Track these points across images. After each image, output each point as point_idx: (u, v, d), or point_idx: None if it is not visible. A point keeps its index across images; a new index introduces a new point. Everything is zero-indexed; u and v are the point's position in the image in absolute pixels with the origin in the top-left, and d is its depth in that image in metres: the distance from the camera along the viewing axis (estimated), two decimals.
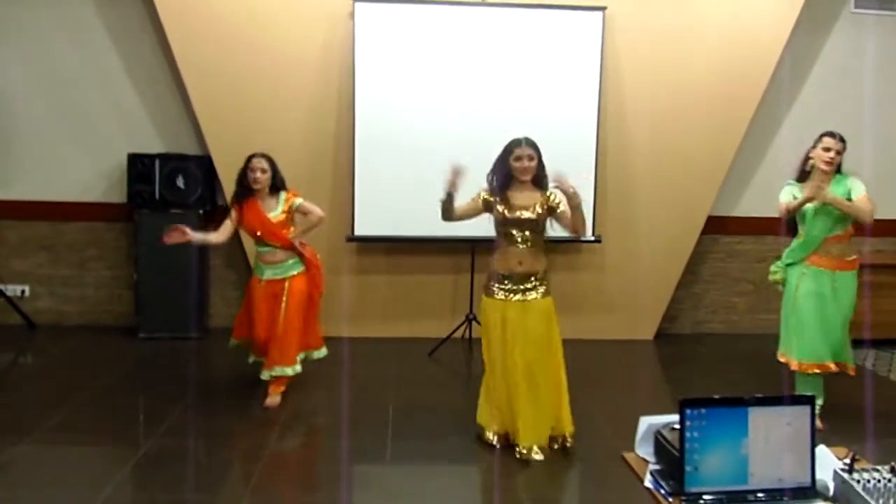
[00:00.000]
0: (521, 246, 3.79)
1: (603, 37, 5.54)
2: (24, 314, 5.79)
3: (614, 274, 5.94)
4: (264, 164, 4.23)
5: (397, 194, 5.52)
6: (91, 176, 5.82)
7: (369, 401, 4.52)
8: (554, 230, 3.90)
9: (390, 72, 5.47)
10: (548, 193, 3.79)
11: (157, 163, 5.51)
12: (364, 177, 5.51)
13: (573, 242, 5.74)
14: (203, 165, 5.58)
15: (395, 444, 3.89)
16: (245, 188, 4.25)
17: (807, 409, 2.12)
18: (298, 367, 4.35)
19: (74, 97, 5.74)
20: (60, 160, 5.79)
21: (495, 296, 3.83)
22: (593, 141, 5.57)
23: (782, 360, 4.28)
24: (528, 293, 3.79)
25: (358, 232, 5.56)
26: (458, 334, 5.60)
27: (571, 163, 5.57)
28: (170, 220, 5.49)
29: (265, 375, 4.31)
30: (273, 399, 4.32)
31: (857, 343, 5.84)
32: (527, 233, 3.78)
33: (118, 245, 5.89)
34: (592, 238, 5.68)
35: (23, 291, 5.89)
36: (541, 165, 3.80)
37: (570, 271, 5.91)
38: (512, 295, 3.79)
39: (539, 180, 3.82)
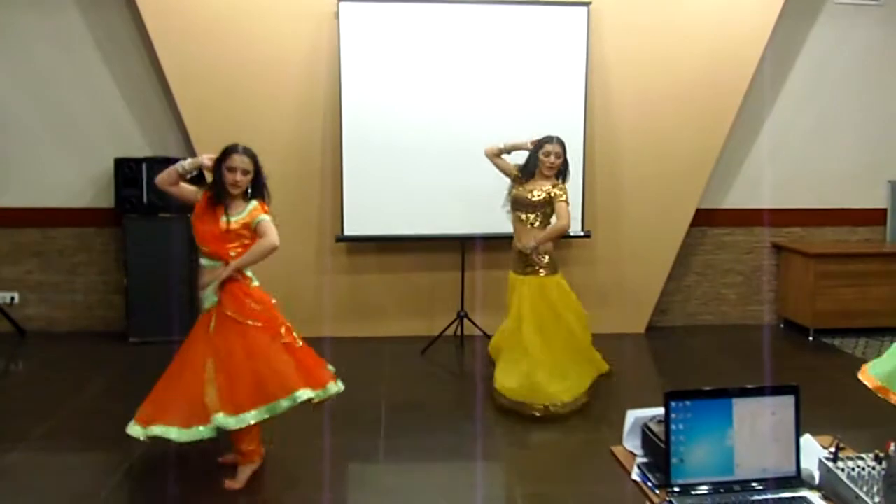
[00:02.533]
0: (523, 225, 4.39)
1: (588, 32, 5.54)
2: (14, 321, 5.78)
3: (604, 268, 5.96)
4: (249, 165, 3.41)
5: (386, 193, 5.53)
6: (79, 181, 5.80)
7: (362, 400, 4.52)
8: None
9: (377, 71, 5.47)
10: (554, 183, 4.34)
11: (144, 167, 5.50)
12: (352, 176, 5.50)
13: (563, 238, 5.75)
14: None
15: (388, 443, 3.91)
16: (221, 189, 3.40)
17: (791, 398, 2.13)
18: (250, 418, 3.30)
19: (61, 103, 5.72)
20: (48, 166, 5.77)
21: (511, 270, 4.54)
22: (581, 136, 5.57)
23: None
24: (526, 271, 4.41)
25: (347, 232, 5.56)
26: (449, 332, 5.61)
27: None
28: (158, 224, 5.53)
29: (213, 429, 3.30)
30: (236, 480, 3.40)
31: (849, 332, 5.93)
32: (530, 214, 4.36)
33: (107, 250, 5.88)
34: (582, 233, 5.69)
35: (12, 299, 5.87)
36: (565, 162, 4.39)
37: (561, 266, 5.91)
38: (514, 269, 4.48)
39: (558, 173, 4.40)
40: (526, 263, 4.40)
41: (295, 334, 3.49)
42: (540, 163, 4.35)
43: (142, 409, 3.36)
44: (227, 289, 3.38)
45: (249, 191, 3.45)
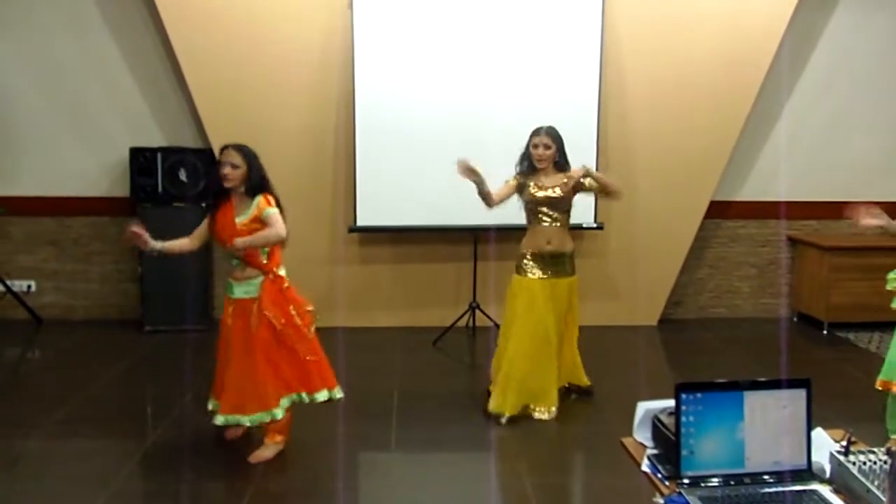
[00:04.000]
0: (549, 225, 4.13)
1: (603, 20, 5.51)
2: (31, 309, 5.84)
3: (617, 260, 5.95)
4: (236, 159, 3.50)
5: (399, 184, 5.53)
6: (94, 171, 5.84)
7: (375, 389, 4.56)
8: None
9: (390, 59, 5.46)
10: (570, 173, 4.12)
11: (158, 156, 5.53)
12: (365, 166, 5.51)
13: (575, 229, 5.75)
14: (205, 158, 5.59)
15: (401, 432, 3.93)
16: (219, 189, 3.57)
17: (803, 392, 2.12)
18: (278, 413, 3.53)
19: (75, 92, 5.76)
20: (63, 155, 5.81)
21: (528, 274, 4.13)
22: (594, 126, 5.55)
23: (880, 387, 3.86)
24: (556, 273, 4.13)
25: (360, 222, 5.57)
26: (461, 322, 5.62)
27: (573, 147, 5.58)
28: (173, 213, 5.56)
29: (220, 420, 3.55)
30: (260, 452, 3.58)
31: (864, 326, 5.89)
32: (554, 212, 4.12)
33: (122, 239, 5.91)
34: (595, 224, 5.68)
35: (29, 287, 5.93)
36: (560, 153, 4.14)
37: None
38: (541, 273, 4.11)
39: (560, 166, 4.16)
40: (563, 265, 4.16)
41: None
42: (532, 157, 4.15)
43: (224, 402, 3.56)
44: (266, 290, 3.53)
45: (243, 188, 3.53)
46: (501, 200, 4.16)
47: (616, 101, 5.72)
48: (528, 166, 4.18)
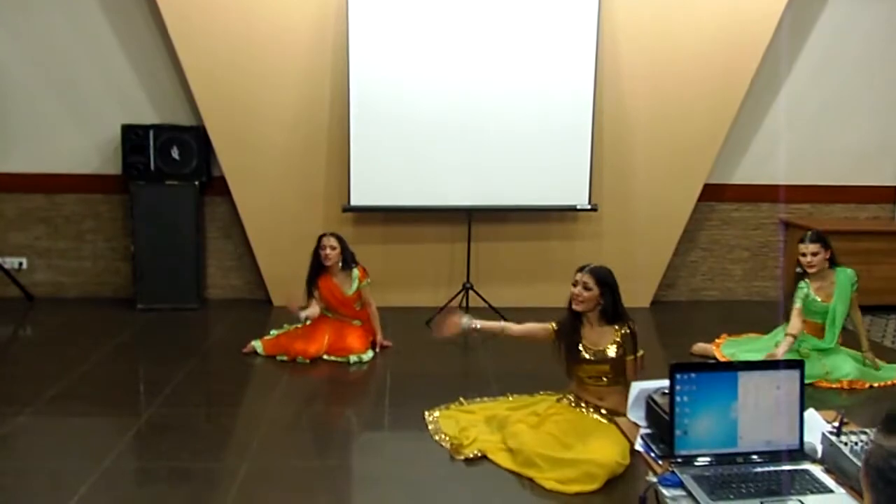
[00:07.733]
0: (600, 386, 3.46)
1: (599, 4, 5.47)
2: (22, 287, 5.81)
3: (611, 242, 5.95)
4: (333, 242, 4.73)
5: (393, 164, 5.51)
6: (86, 148, 5.80)
7: (368, 369, 4.57)
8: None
9: (385, 39, 5.42)
10: (619, 328, 3.42)
11: (151, 134, 5.49)
12: (360, 146, 5.48)
13: (569, 211, 5.76)
14: (198, 136, 5.56)
15: (394, 411, 3.94)
16: (318, 265, 4.74)
17: (796, 373, 2.14)
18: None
19: (67, 68, 5.69)
20: (55, 132, 5.76)
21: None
22: (590, 109, 5.54)
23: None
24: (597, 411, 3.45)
25: (354, 202, 5.55)
26: (455, 303, 5.63)
27: (569, 131, 5.59)
28: (165, 191, 5.54)
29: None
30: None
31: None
32: (606, 373, 3.42)
33: (115, 217, 5.89)
34: (588, 206, 5.68)
35: (20, 264, 5.90)
36: (607, 298, 3.39)
37: (567, 239, 5.93)
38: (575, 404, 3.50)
39: (607, 315, 3.42)
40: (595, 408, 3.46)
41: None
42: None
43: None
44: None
45: (343, 262, 4.80)
46: (525, 337, 3.62)
47: (612, 83, 5.70)
48: (573, 317, 3.47)
